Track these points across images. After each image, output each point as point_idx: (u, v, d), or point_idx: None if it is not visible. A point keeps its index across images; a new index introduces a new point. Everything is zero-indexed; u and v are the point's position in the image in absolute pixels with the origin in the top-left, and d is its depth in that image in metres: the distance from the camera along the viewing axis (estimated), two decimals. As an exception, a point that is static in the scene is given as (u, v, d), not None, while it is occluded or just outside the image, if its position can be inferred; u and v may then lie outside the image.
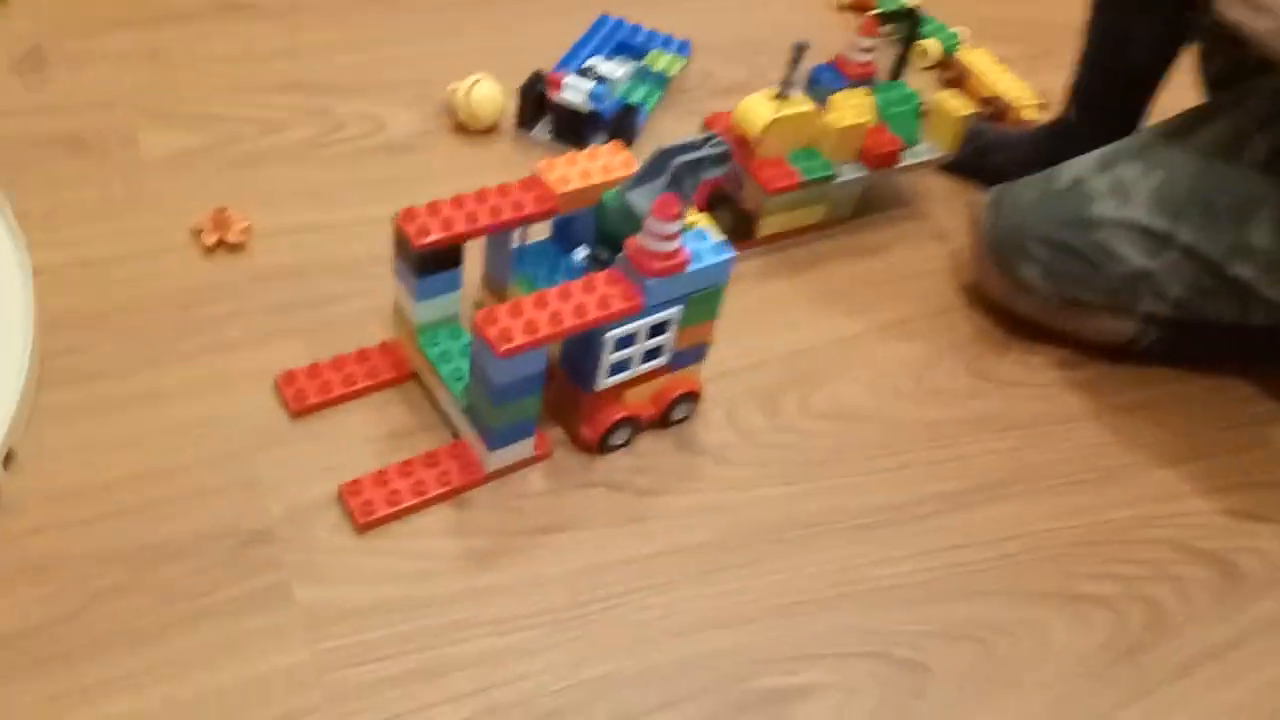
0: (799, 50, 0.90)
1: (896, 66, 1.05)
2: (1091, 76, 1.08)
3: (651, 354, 0.78)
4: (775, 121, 0.93)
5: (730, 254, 0.76)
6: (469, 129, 1.04)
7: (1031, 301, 0.94)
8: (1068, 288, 0.91)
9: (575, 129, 1.04)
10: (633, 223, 0.76)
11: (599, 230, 0.81)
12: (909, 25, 1.03)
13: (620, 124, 1.03)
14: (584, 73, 1.05)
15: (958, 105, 1.02)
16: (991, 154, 1.11)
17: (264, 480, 0.74)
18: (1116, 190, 0.89)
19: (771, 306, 0.94)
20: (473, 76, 1.03)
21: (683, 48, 1.16)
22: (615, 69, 1.07)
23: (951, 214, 1.09)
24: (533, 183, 0.79)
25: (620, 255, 0.74)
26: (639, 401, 0.81)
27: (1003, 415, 0.90)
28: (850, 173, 0.99)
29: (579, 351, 0.75)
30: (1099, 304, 0.92)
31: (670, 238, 0.71)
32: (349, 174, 0.98)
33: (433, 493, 0.74)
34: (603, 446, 0.80)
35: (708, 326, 0.80)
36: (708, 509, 0.78)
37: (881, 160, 0.99)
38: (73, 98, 0.99)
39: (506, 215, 0.76)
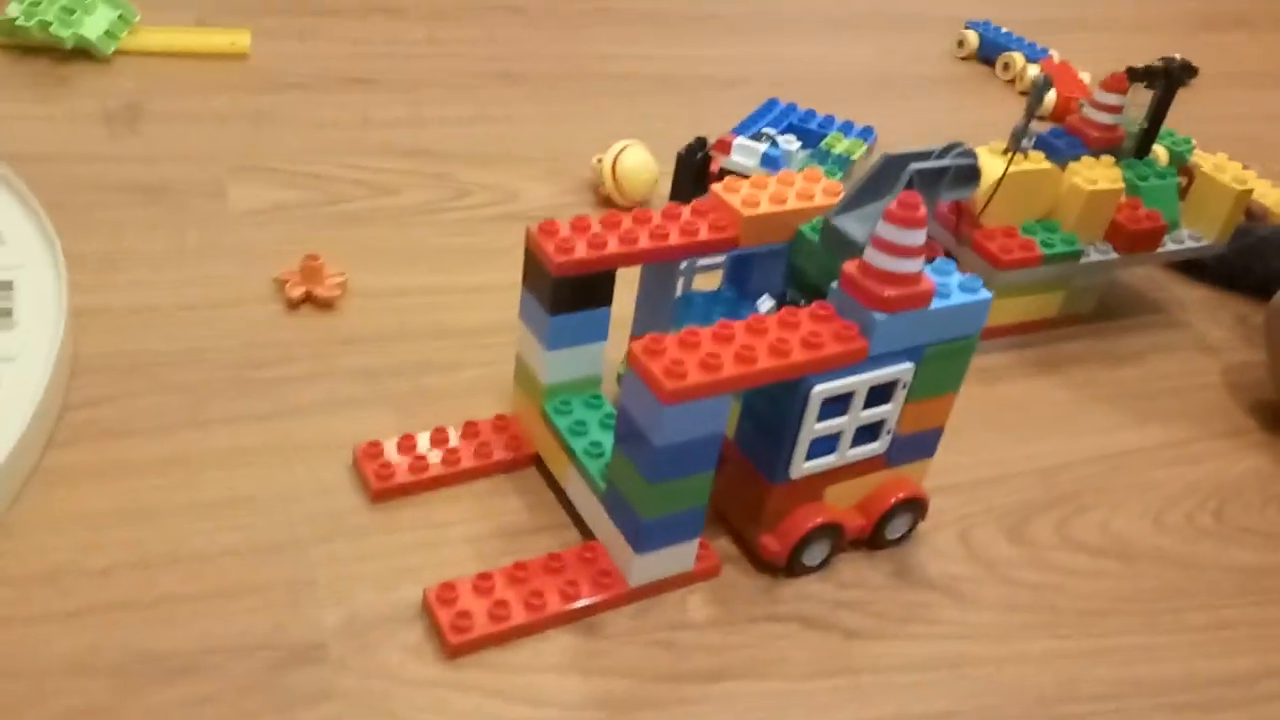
0: (1042, 87, 0.71)
1: (1142, 139, 0.85)
2: None
3: (867, 434, 0.55)
4: (1009, 179, 0.73)
5: (988, 294, 0.54)
6: (614, 202, 0.87)
7: None
8: None
9: (741, 203, 0.86)
10: (840, 259, 0.56)
11: (793, 273, 0.61)
12: (1165, 85, 0.84)
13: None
14: (757, 138, 0.88)
15: (1233, 178, 0.81)
16: (1265, 255, 0.89)
17: (321, 580, 0.53)
18: None
19: (1009, 411, 0.71)
20: (621, 142, 0.87)
21: (865, 134, 0.99)
22: (791, 143, 0.90)
23: (1217, 324, 0.85)
24: (710, 204, 0.60)
25: (832, 286, 0.53)
26: (843, 505, 0.58)
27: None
28: (1097, 254, 0.78)
29: (766, 420, 0.54)
30: None
31: (912, 253, 0.51)
32: (471, 240, 0.81)
33: (553, 610, 0.52)
34: (793, 565, 0.56)
35: (945, 403, 0.57)
36: (944, 664, 0.54)
37: (1138, 241, 0.78)
38: (159, 149, 0.86)
39: (674, 240, 0.57)
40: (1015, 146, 0.74)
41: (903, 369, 0.53)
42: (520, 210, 0.86)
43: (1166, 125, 1.05)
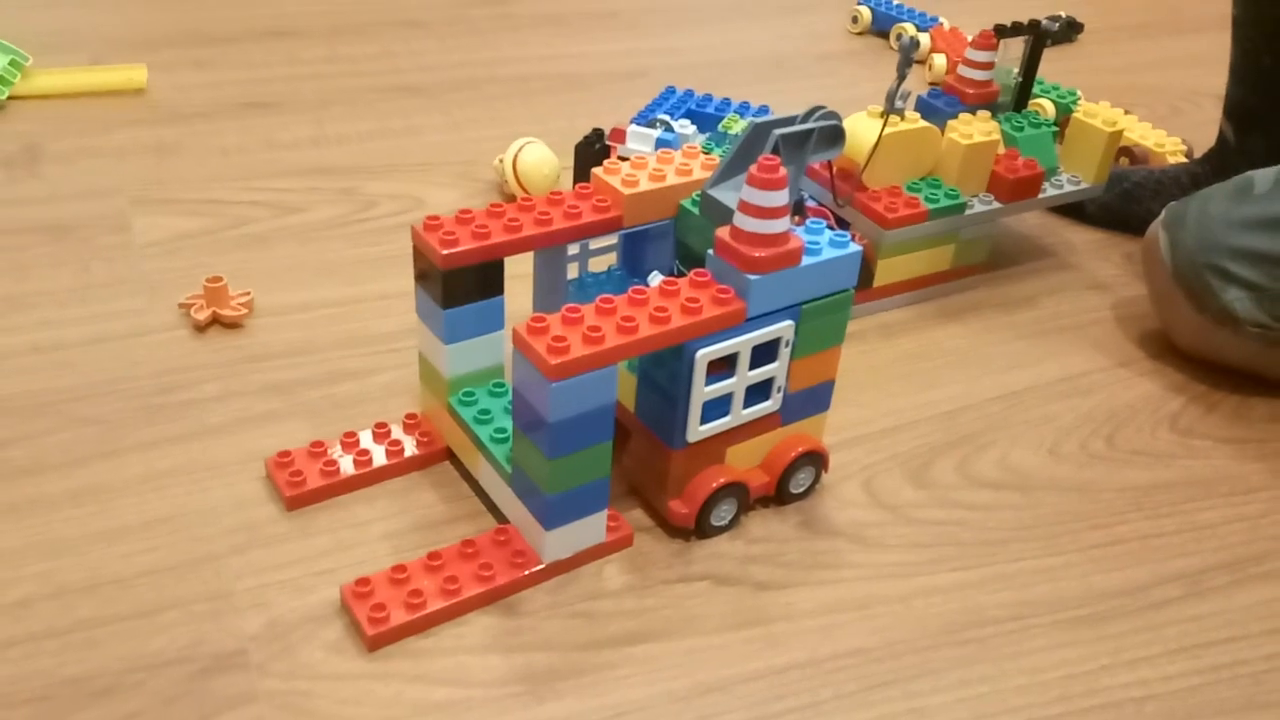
0: (909, 49, 0.73)
1: (1018, 94, 0.88)
2: (1247, 89, 0.90)
3: (759, 393, 0.58)
4: (887, 140, 0.76)
5: (857, 248, 0.57)
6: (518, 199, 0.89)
7: (1238, 338, 0.72)
8: None
9: (640, 189, 0.88)
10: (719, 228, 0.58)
11: (679, 247, 0.63)
12: (1034, 41, 0.87)
13: (693, 179, 0.87)
14: (651, 125, 0.90)
15: (1104, 121, 0.84)
16: (1142, 198, 0.92)
17: (239, 590, 0.54)
18: None
19: (905, 364, 0.74)
20: (520, 140, 0.89)
21: (761, 112, 1.02)
22: (685, 127, 0.92)
23: (1106, 264, 0.89)
24: (592, 187, 0.62)
25: (708, 254, 0.55)
26: (746, 465, 0.60)
27: (1235, 476, 0.67)
28: (981, 205, 0.81)
29: (660, 389, 0.55)
30: None
31: (777, 214, 0.53)
32: (379, 249, 0.82)
33: (470, 593, 0.53)
34: (701, 527, 0.58)
35: (831, 357, 0.60)
36: (853, 605, 0.56)
37: (1019, 189, 0.81)
38: (60, 189, 0.86)
39: (558, 224, 0.59)
40: (890, 108, 0.76)
41: (783, 326, 0.55)
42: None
43: (1056, 79, 1.09)
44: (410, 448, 0.61)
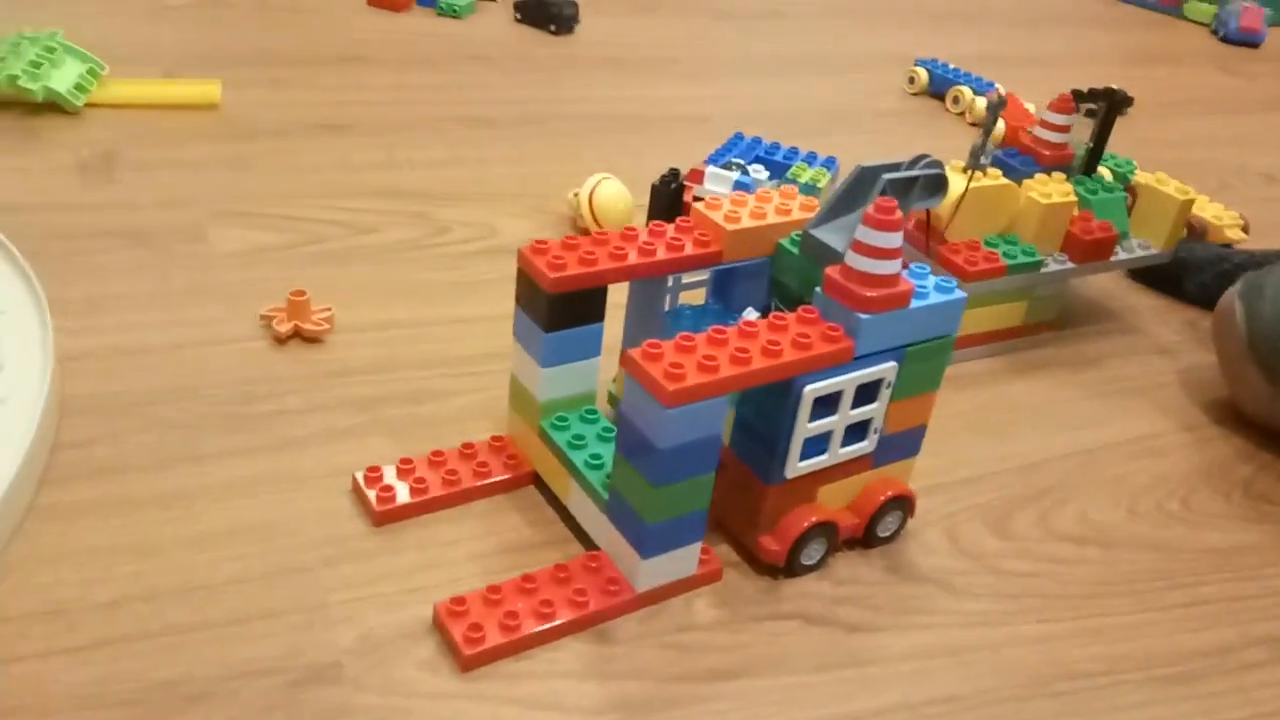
0: (998, 107, 0.74)
1: (1089, 158, 0.89)
2: None
3: (856, 433, 0.57)
4: (972, 194, 0.76)
5: (963, 295, 0.57)
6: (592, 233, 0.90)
7: None
8: None
9: (712, 229, 0.89)
10: (820, 268, 0.58)
11: (774, 285, 0.64)
12: (1107, 108, 0.88)
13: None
14: (727, 168, 0.91)
15: (1176, 190, 0.85)
16: (1191, 271, 0.93)
17: (331, 603, 0.53)
18: None
19: (979, 416, 0.74)
20: (597, 175, 0.90)
21: (829, 163, 1.03)
22: (760, 172, 0.93)
23: (1168, 329, 0.89)
24: (693, 222, 0.62)
25: (816, 291, 0.56)
26: (835, 506, 0.60)
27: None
28: (1055, 264, 0.81)
29: (760, 423, 0.55)
30: None
31: (890, 255, 0.53)
32: (453, 274, 0.83)
33: (564, 618, 0.53)
34: (791, 565, 0.58)
35: (927, 402, 0.60)
36: (943, 652, 0.55)
37: (1093, 250, 0.81)
38: (137, 196, 0.86)
39: (662, 255, 0.59)
40: (975, 164, 0.77)
41: (887, 367, 0.55)
42: (500, 244, 0.87)
43: (1108, 149, 1.10)
44: (497, 469, 0.61)
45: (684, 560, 0.55)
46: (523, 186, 0.97)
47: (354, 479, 0.60)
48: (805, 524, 0.57)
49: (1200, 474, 0.72)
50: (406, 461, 0.61)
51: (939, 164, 0.61)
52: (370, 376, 0.70)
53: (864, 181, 0.60)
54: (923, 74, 1.37)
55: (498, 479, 0.61)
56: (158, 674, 0.49)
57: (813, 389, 0.53)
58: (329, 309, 0.74)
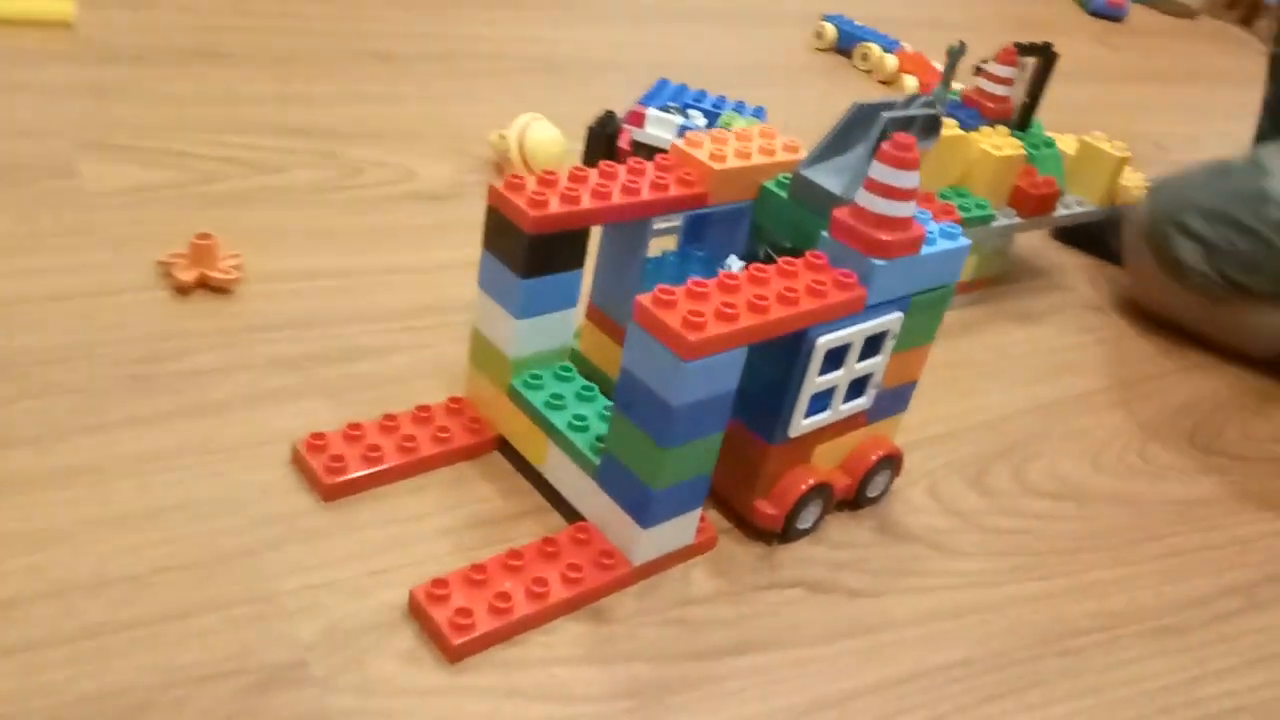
0: (957, 55, 0.72)
1: (1024, 113, 0.88)
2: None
3: (855, 389, 0.54)
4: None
5: (968, 242, 0.54)
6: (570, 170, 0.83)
7: (1188, 293, 0.81)
8: (1232, 268, 0.79)
9: (649, 176, 0.83)
10: (813, 213, 0.54)
11: (758, 230, 0.59)
12: (1046, 61, 0.87)
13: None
14: (665, 111, 0.85)
15: (1113, 148, 0.85)
16: (1106, 235, 0.95)
17: (284, 591, 0.46)
18: None
19: (942, 372, 0.71)
20: (525, 116, 0.83)
21: (758, 113, 0.99)
22: (698, 118, 0.87)
23: (1096, 287, 0.90)
24: (675, 160, 0.57)
25: (822, 234, 0.51)
26: (829, 466, 0.56)
27: (1255, 493, 0.68)
28: (1004, 219, 0.80)
29: (763, 378, 0.51)
30: (1264, 293, 0.79)
31: (906, 196, 0.49)
32: (373, 219, 0.74)
33: (558, 597, 0.47)
34: (788, 530, 0.54)
35: (922, 355, 0.57)
36: (950, 614, 0.53)
37: (1039, 205, 0.80)
38: (-8, 125, 0.75)
39: (647, 195, 0.54)
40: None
41: (894, 318, 0.52)
42: (421, 189, 0.80)
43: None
44: (459, 434, 0.55)
45: (683, 529, 0.50)
46: (436, 127, 0.89)
47: (294, 448, 0.52)
48: (803, 487, 0.53)
49: (1149, 427, 0.72)
50: (355, 427, 0.53)
51: (934, 104, 0.58)
52: (294, 331, 0.62)
53: (859, 120, 0.56)
54: (830, 29, 1.34)
55: (460, 445, 0.55)
56: (81, 685, 0.41)
57: (825, 340, 0.49)
58: (238, 255, 0.65)
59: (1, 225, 0.65)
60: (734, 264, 0.59)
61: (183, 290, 0.62)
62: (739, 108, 0.98)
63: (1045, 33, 1.77)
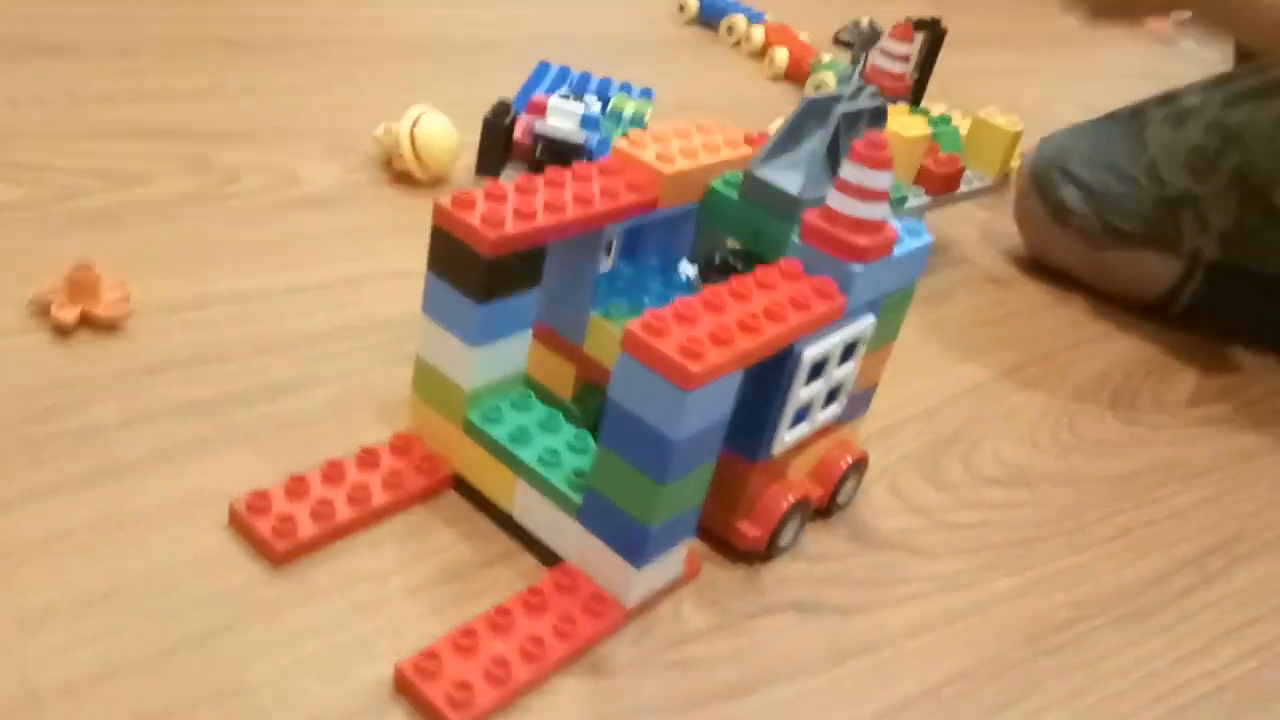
0: (870, 38, 0.70)
1: (916, 88, 0.88)
2: None
3: (832, 395, 0.52)
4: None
5: (930, 238, 0.53)
6: (413, 177, 0.77)
7: (1070, 237, 0.85)
8: (1109, 211, 0.84)
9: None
10: (769, 213, 0.52)
11: (703, 234, 0.56)
12: (935, 36, 0.87)
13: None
14: (565, 99, 0.80)
15: (1006, 122, 0.86)
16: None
17: (252, 682, 0.40)
18: (1177, 117, 0.85)
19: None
20: (415, 109, 0.77)
21: (646, 94, 0.95)
22: (594, 105, 0.83)
23: (994, 259, 0.91)
24: (618, 163, 0.53)
25: (793, 240, 0.49)
26: (802, 478, 0.54)
27: (1179, 461, 0.70)
28: (914, 199, 0.80)
29: (747, 394, 0.48)
30: (1141, 235, 0.83)
31: (880, 197, 0.47)
32: (260, 232, 0.67)
33: (557, 655, 0.43)
34: (770, 550, 0.52)
35: (886, 355, 0.56)
36: (937, 622, 0.52)
37: (945, 183, 0.80)
38: None
39: (600, 206, 0.50)
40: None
41: (869, 323, 0.50)
42: (307, 194, 0.73)
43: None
44: (411, 478, 0.50)
45: (674, 562, 0.47)
46: (311, 122, 0.82)
47: (232, 509, 0.46)
48: (785, 505, 0.51)
49: (1073, 400, 0.74)
50: (298, 480, 0.47)
51: (879, 94, 0.56)
52: (200, 369, 0.55)
53: (810, 115, 0.53)
54: (692, 2, 1.32)
55: (414, 489, 0.50)
56: (24, 827, 0.35)
57: (811, 353, 0.47)
58: (122, 285, 0.57)
59: None
60: (687, 270, 0.56)
61: (64, 331, 0.54)
62: (625, 89, 0.94)
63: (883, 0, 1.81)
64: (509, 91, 0.89)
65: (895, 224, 0.51)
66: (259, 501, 0.46)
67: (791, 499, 0.51)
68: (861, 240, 0.47)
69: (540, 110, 0.77)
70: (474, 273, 0.46)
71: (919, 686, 0.48)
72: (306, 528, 0.46)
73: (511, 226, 0.46)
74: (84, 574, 0.43)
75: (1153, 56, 1.97)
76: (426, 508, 0.50)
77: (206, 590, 0.43)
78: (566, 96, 0.79)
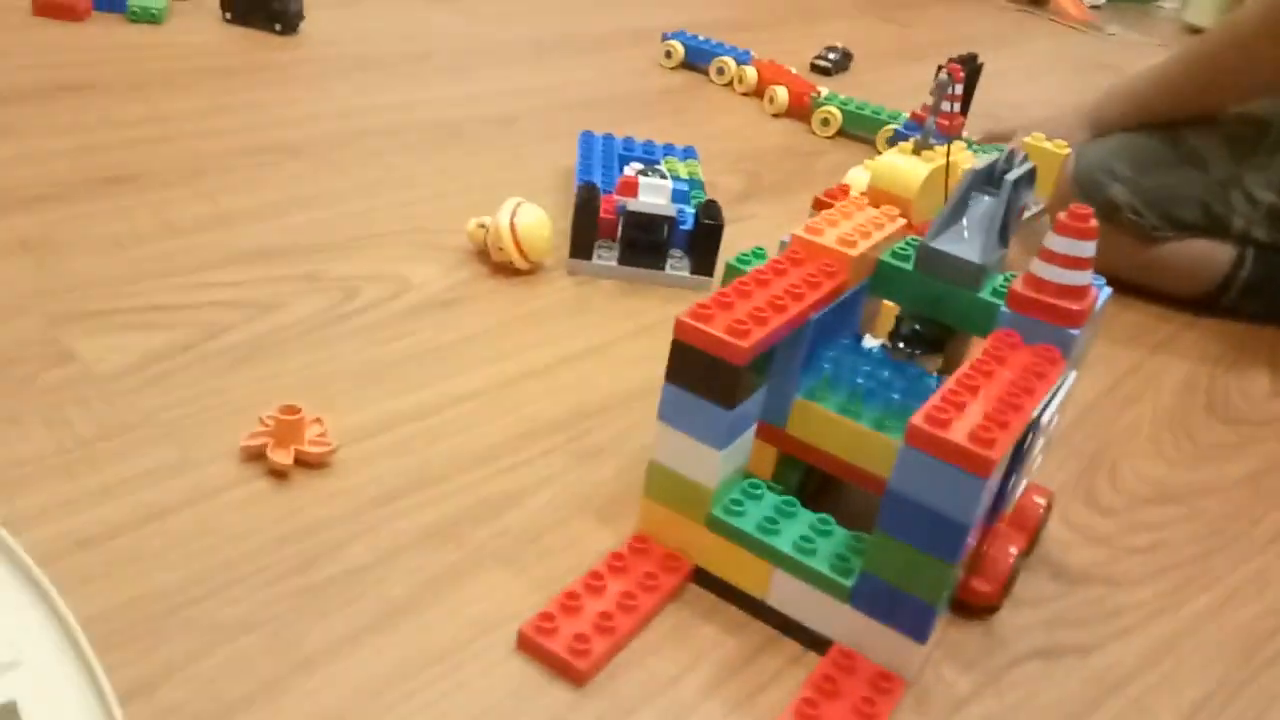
0: (946, 86, 0.74)
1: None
2: None
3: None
4: (936, 173, 0.76)
5: (1109, 290, 0.56)
6: (514, 268, 0.78)
7: (1121, 235, 0.88)
8: (1161, 201, 0.88)
9: (652, 245, 0.80)
10: (949, 283, 0.54)
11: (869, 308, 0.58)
12: (973, 71, 0.92)
13: (707, 233, 0.81)
14: (644, 174, 0.82)
15: (1054, 145, 0.91)
16: None
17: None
18: (1207, 120, 0.90)
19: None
20: (510, 201, 0.78)
21: (689, 152, 0.98)
22: (673, 172, 0.85)
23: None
24: (802, 251, 0.55)
25: (1002, 310, 0.52)
26: (1008, 527, 0.57)
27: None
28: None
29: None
30: (1191, 222, 0.88)
31: (1087, 265, 0.51)
32: (405, 344, 0.68)
33: (869, 736, 0.45)
34: (1001, 601, 0.54)
35: (1063, 399, 0.59)
36: (1162, 650, 0.55)
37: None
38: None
39: (811, 296, 0.52)
40: (925, 142, 0.77)
41: (1072, 377, 0.53)
42: (424, 298, 0.73)
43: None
44: (664, 578, 0.51)
45: (935, 631, 0.50)
46: (391, 223, 0.82)
47: (522, 633, 0.47)
48: (1012, 557, 0.54)
49: (1176, 410, 0.78)
50: (570, 596, 0.49)
51: (1026, 157, 0.60)
52: (421, 494, 0.55)
53: (975, 185, 0.57)
54: (679, 48, 1.35)
55: (668, 589, 0.51)
56: None
57: (1045, 417, 0.50)
58: (319, 420, 0.57)
59: (14, 443, 0.54)
60: (870, 344, 0.59)
61: (281, 474, 0.54)
62: (669, 151, 0.97)
63: (830, 19, 1.86)
64: (557, 163, 0.91)
65: (1096, 286, 0.54)
66: (545, 623, 0.47)
67: (1014, 550, 0.54)
68: (1075, 306, 0.50)
69: (631, 189, 0.79)
70: (725, 382, 0.48)
71: (1174, 717, 0.51)
72: (598, 643, 0.47)
73: (755, 334, 0.48)
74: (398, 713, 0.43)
75: (1086, 44, 2.06)
76: (677, 604, 0.52)
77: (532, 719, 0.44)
78: (645, 172, 0.81)
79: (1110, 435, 0.73)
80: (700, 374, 0.49)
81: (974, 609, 0.54)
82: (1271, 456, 0.74)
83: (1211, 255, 0.90)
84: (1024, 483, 0.53)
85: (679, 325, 0.48)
